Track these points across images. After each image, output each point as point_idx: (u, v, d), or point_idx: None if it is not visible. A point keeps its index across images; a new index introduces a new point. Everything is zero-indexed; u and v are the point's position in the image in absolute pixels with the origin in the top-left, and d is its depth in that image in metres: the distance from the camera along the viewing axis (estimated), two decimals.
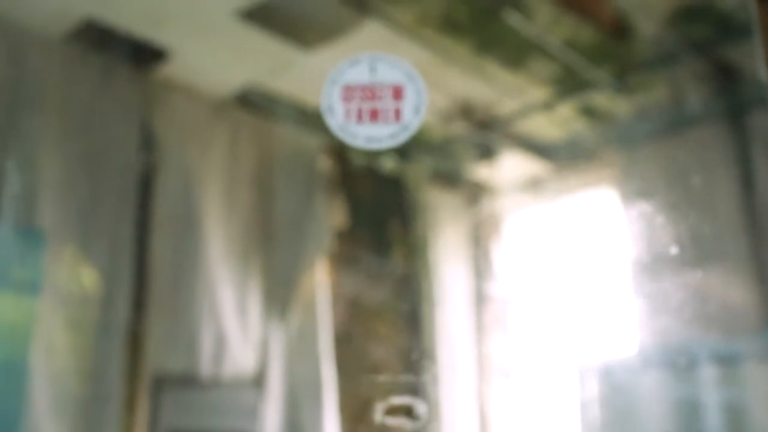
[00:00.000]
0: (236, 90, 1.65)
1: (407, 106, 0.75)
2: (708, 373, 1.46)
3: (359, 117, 0.74)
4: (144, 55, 1.51)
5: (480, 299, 2.01)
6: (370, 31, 1.50)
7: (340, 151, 1.91)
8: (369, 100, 0.76)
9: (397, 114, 0.75)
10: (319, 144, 1.82)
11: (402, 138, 0.73)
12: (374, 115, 0.76)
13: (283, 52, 1.55)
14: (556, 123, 1.86)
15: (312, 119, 1.78)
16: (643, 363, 1.43)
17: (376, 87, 0.75)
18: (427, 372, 1.85)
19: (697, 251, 1.43)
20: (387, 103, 0.77)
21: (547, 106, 1.81)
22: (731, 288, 1.48)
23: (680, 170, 1.55)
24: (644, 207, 1.51)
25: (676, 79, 1.72)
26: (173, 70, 1.55)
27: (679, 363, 1.41)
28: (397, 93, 0.78)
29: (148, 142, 1.50)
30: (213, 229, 1.54)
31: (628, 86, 1.74)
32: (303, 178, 1.74)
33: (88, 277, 1.40)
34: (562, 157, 1.85)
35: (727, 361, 1.46)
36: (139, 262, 1.42)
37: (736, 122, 1.65)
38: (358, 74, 0.75)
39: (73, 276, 1.40)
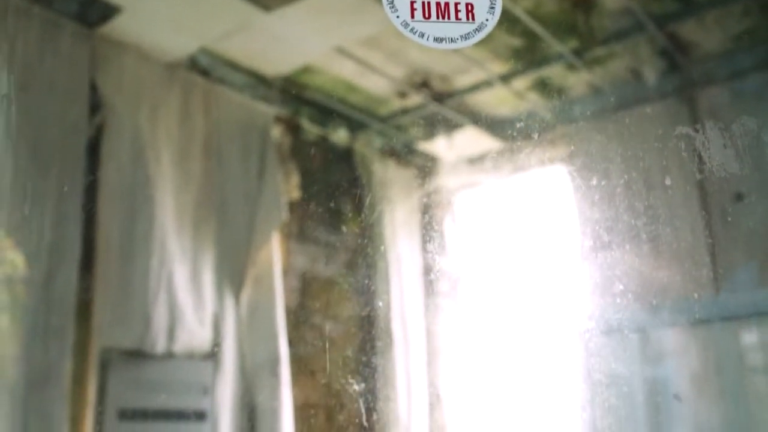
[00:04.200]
0: (189, 52, 1.58)
1: (480, 1, 0.67)
2: (661, 337, 1.49)
3: (426, 13, 0.65)
4: (92, 11, 1.41)
5: (431, 273, 2.00)
6: None
7: (292, 121, 1.86)
8: None
9: (470, 11, 0.67)
10: (272, 113, 1.77)
11: (476, 39, 0.65)
12: (444, 11, 0.66)
13: (241, 12, 1.48)
14: (512, 97, 1.86)
15: (266, 87, 1.72)
16: (598, 330, 1.45)
17: None
18: (380, 347, 1.83)
19: (650, 224, 1.46)
20: None
21: (505, 79, 1.80)
22: (683, 258, 1.51)
23: (634, 145, 1.56)
24: (597, 182, 1.52)
25: (634, 54, 1.73)
26: (123, 28, 1.47)
27: (634, 328, 1.44)
28: None
29: (95, 104, 1.41)
30: (164, 197, 1.47)
31: (587, 61, 1.75)
32: (255, 148, 1.68)
33: (26, 254, 1.31)
34: (516, 132, 1.85)
35: (679, 325, 1.50)
36: (87, 232, 1.34)
37: (690, 98, 1.68)
38: None
39: (9, 252, 1.31)
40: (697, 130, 1.25)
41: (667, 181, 1.47)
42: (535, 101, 1.86)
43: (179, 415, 1.43)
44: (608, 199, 1.49)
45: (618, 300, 1.41)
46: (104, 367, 1.35)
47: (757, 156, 1.23)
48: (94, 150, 1.39)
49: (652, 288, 1.49)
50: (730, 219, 1.58)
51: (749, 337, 1.47)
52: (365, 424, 1.76)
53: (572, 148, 1.79)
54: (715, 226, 1.60)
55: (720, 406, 1.45)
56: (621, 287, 1.40)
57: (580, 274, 1.47)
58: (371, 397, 1.78)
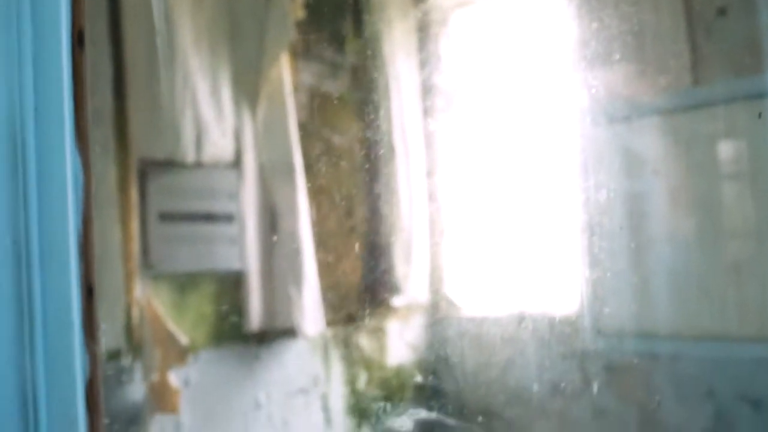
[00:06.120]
0: None
1: None
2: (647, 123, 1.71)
3: None
4: None
5: (428, 89, 2.14)
6: None
7: None
8: None
9: None
10: None
11: None
12: None
13: None
14: None
15: None
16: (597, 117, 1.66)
17: None
18: (383, 158, 2.00)
19: (637, 34, 1.61)
20: None
21: None
22: (667, 56, 1.69)
23: None
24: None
25: None
26: None
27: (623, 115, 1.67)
28: None
29: None
30: (181, 19, 1.57)
31: None
32: None
33: None
34: None
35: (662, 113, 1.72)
36: (115, 54, 1.46)
37: None
38: None
39: None
40: None
41: None
42: None
43: (211, 217, 1.62)
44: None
45: (612, 71, 1.61)
46: (143, 176, 1.51)
47: None
48: None
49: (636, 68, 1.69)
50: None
51: (722, 122, 1.66)
52: (370, 227, 1.96)
53: None
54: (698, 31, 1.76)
55: (691, 182, 1.68)
56: (617, 56, 1.59)
57: (575, 56, 1.64)
58: (376, 202, 1.97)
